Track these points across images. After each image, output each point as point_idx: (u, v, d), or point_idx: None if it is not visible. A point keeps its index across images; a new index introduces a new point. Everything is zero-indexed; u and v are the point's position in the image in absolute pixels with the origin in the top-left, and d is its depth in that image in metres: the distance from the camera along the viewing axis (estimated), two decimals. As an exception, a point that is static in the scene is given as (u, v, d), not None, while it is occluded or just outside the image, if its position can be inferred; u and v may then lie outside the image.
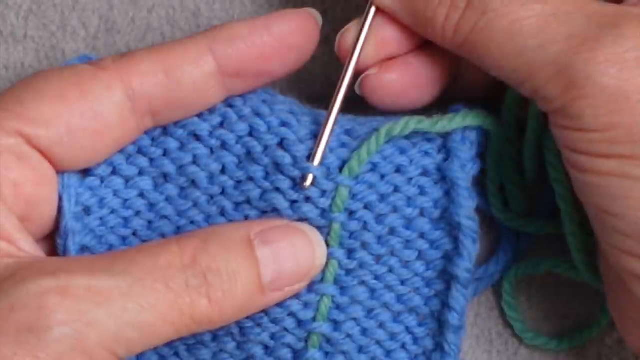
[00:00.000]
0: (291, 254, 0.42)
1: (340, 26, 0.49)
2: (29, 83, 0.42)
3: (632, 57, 0.39)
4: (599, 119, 0.39)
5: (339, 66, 0.44)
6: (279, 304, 0.43)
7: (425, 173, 0.44)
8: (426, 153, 0.45)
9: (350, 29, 0.44)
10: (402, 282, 0.45)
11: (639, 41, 0.39)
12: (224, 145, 0.44)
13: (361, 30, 0.43)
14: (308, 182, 0.43)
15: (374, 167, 0.44)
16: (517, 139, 0.47)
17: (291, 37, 0.43)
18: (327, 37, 0.50)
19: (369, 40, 0.44)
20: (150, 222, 0.45)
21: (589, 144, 0.40)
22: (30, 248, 0.40)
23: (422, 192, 0.44)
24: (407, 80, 0.44)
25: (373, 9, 0.43)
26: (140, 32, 0.51)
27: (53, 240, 0.44)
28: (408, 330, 0.45)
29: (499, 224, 0.50)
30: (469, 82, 0.46)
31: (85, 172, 0.44)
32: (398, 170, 0.44)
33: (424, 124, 0.44)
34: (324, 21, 0.50)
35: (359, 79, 0.44)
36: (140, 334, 0.38)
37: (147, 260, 0.39)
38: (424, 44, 0.45)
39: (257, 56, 0.43)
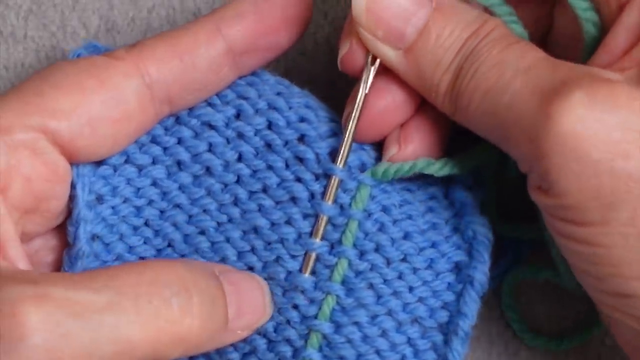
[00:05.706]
0: (248, 298, 0.42)
1: (341, 26, 0.49)
2: (46, 75, 0.41)
3: (585, 112, 0.37)
4: (563, 182, 0.37)
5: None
6: (285, 294, 0.44)
7: (432, 198, 0.46)
8: (431, 182, 0.46)
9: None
10: (410, 290, 0.44)
11: (591, 98, 0.37)
12: (241, 135, 0.45)
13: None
14: (308, 271, 0.44)
15: (390, 181, 0.45)
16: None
17: (293, 7, 0.44)
18: (328, 37, 0.51)
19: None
20: (162, 211, 0.45)
21: (561, 210, 0.38)
22: (17, 256, 0.40)
23: (432, 210, 0.45)
24: (426, 147, 0.44)
25: (363, 94, 0.43)
26: (140, 32, 0.51)
27: (63, 231, 0.44)
28: (410, 342, 0.44)
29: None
30: None
31: (98, 161, 0.44)
32: (409, 190, 0.45)
33: (432, 167, 0.44)
34: (324, 22, 0.51)
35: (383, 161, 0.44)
36: (115, 351, 0.37)
37: (130, 276, 0.38)
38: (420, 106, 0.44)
39: (265, 30, 0.44)
